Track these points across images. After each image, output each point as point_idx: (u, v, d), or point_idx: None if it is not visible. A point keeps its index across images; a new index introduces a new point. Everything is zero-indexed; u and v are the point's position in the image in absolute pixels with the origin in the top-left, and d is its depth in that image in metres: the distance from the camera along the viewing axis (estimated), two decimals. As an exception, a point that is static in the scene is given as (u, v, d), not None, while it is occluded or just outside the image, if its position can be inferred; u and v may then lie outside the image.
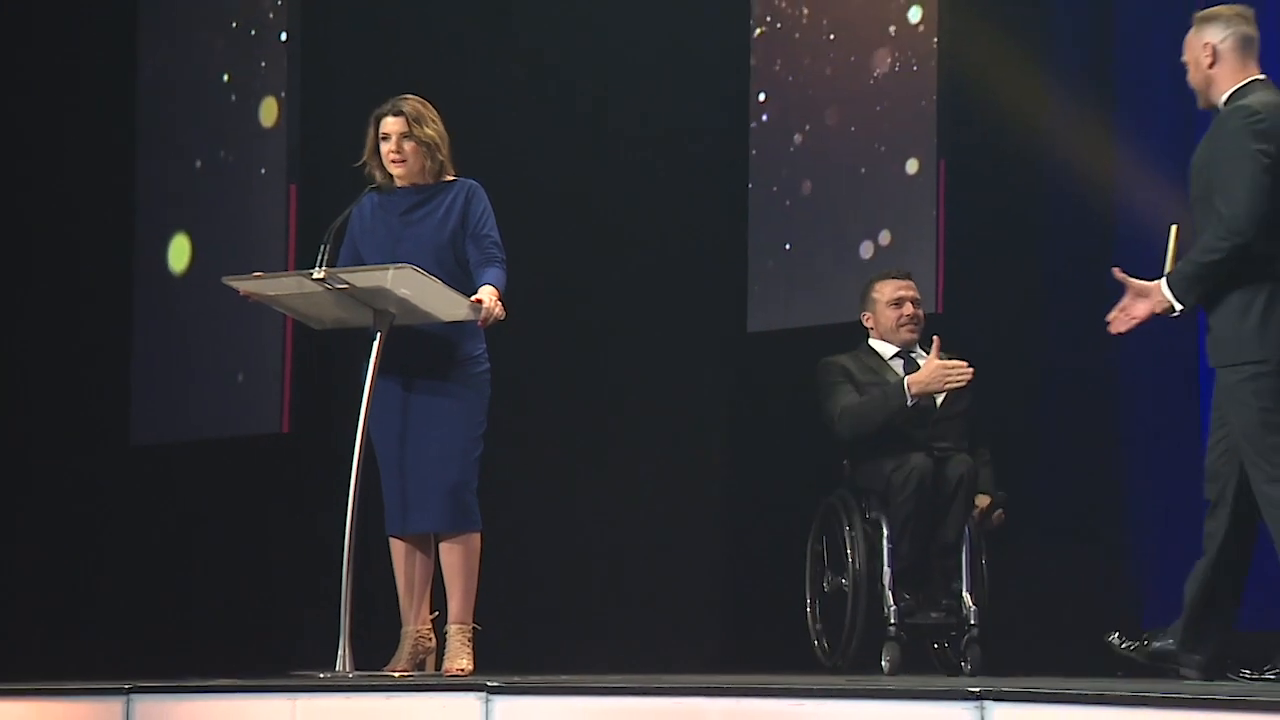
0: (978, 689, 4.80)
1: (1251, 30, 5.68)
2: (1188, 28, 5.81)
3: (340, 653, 6.05)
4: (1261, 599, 6.08)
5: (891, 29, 8.12)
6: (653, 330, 8.67)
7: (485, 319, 6.11)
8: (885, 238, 8.11)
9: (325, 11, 8.75)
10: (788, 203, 8.43)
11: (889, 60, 8.12)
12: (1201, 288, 5.55)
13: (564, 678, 5.88)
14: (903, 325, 6.95)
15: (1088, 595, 6.39)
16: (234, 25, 8.88)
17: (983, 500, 6.82)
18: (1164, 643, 5.67)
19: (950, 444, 6.84)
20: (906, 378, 6.76)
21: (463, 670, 6.16)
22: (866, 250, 8.16)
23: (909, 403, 6.72)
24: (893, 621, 6.57)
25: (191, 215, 8.94)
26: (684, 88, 8.69)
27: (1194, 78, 5.75)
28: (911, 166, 8.04)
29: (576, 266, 8.68)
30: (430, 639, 6.32)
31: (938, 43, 7.93)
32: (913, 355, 6.96)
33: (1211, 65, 5.66)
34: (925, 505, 6.59)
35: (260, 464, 8.72)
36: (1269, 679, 5.65)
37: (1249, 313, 5.51)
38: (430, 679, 6.06)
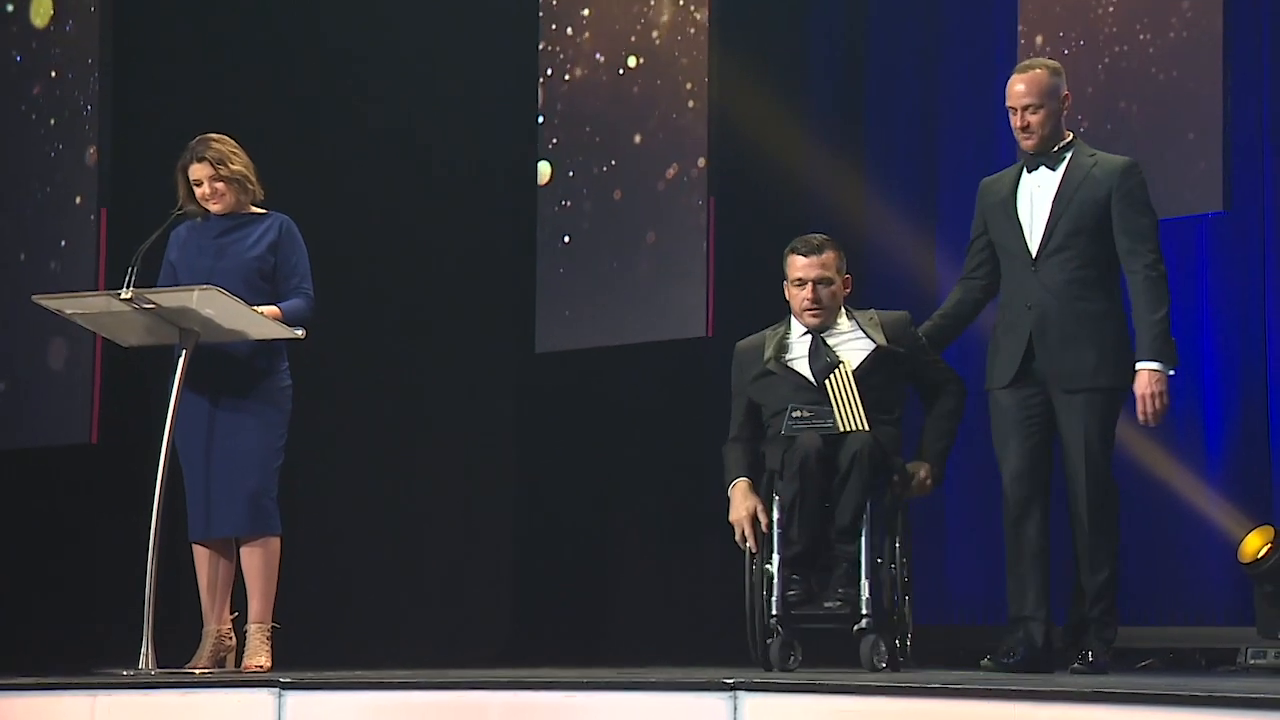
0: (731, 680, 5.07)
1: None
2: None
3: (143, 651, 6.19)
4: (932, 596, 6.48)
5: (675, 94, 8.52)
6: (450, 350, 8.98)
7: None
8: (660, 266, 8.46)
9: (137, 40, 8.87)
10: (570, 240, 8.74)
11: (672, 118, 8.51)
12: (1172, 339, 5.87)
13: (355, 673, 6.07)
14: (806, 310, 6.13)
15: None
16: (48, 58, 8.98)
17: (917, 468, 6.12)
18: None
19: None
20: (735, 486, 6.10)
21: (261, 667, 6.33)
22: (644, 281, 8.50)
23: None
24: (773, 613, 5.87)
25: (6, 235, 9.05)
26: (480, 120, 8.99)
27: (1043, 124, 5.84)
28: (686, 203, 8.41)
29: (380, 292, 8.95)
30: (231, 638, 6.48)
31: (709, 92, 8.36)
32: (823, 336, 6.14)
33: (1065, 114, 5.92)
34: (811, 486, 5.88)
35: (69, 473, 8.80)
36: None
37: (1106, 344, 5.87)
38: (227, 675, 6.21)
